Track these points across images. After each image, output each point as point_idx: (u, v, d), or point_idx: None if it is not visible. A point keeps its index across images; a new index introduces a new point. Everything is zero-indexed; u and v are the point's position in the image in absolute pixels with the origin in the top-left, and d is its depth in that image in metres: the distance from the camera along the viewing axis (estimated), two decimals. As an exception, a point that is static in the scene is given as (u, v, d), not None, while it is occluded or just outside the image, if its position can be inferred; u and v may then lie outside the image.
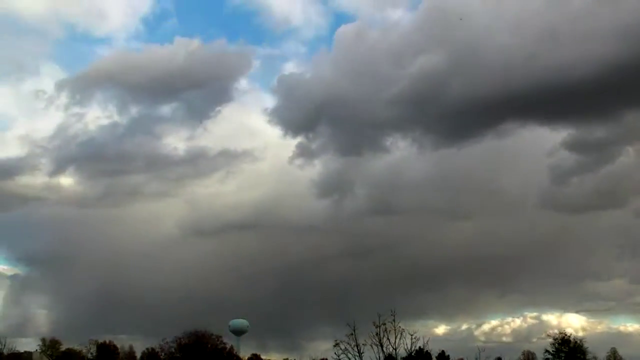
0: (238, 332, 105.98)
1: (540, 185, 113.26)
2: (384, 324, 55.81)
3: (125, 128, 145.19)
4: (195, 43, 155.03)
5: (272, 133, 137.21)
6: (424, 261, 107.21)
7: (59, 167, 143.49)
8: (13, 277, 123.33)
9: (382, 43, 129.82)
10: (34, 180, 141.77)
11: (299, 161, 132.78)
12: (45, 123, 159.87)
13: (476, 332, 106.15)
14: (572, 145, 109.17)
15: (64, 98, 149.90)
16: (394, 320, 55.53)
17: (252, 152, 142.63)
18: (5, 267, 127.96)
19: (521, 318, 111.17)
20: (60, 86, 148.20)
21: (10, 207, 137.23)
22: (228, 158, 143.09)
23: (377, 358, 56.50)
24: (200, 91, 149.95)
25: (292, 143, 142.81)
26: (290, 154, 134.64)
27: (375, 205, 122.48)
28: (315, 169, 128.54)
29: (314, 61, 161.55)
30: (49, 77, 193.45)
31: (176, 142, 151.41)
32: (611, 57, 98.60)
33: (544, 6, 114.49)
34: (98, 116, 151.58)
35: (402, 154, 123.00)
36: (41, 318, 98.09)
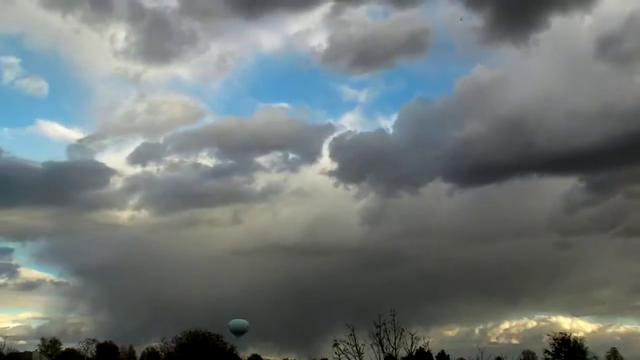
0: (238, 332, 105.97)
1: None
2: (384, 324, 55.70)
3: (214, 173, 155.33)
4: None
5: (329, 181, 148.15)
6: (443, 274, 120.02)
7: (145, 201, 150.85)
8: (73, 287, 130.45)
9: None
10: (121, 213, 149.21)
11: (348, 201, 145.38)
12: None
13: (488, 334, 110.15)
14: (578, 186, 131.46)
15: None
16: (393, 320, 55.46)
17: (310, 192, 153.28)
18: (70, 279, 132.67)
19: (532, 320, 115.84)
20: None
21: (89, 233, 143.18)
22: (297, 196, 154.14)
23: (377, 358, 56.43)
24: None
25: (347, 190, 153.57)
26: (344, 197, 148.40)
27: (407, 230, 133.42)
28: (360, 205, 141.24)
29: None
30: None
31: (254, 184, 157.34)
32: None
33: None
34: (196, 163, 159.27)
35: (435, 193, 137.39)
36: (95, 323, 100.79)
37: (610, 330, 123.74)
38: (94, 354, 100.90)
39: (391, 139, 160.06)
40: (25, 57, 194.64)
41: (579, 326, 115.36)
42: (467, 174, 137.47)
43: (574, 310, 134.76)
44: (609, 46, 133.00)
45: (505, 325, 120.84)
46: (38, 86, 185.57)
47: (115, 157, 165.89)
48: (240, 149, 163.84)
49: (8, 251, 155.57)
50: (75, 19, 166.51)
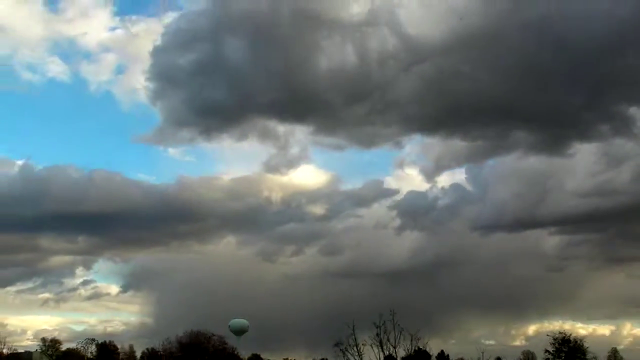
0: (238, 332, 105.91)
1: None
2: (384, 324, 55.82)
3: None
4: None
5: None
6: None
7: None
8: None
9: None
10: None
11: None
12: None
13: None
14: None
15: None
16: (393, 320, 55.58)
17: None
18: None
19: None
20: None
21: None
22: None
23: (377, 358, 56.59)
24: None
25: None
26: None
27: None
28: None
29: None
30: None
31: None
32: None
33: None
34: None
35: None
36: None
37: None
38: (94, 353, 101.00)
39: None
40: None
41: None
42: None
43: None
44: None
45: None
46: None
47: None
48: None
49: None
50: None
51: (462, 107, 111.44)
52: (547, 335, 79.58)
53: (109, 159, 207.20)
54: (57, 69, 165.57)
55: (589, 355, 76.82)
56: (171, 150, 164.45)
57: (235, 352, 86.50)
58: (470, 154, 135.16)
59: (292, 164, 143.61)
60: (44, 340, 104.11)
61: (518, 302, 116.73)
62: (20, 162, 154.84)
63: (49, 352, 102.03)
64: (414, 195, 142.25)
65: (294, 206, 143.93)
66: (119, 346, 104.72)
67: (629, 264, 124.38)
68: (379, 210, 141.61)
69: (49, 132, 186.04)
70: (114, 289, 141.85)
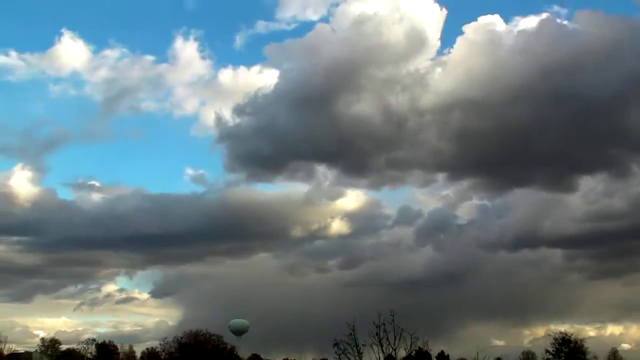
0: (238, 332, 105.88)
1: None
2: (384, 324, 55.61)
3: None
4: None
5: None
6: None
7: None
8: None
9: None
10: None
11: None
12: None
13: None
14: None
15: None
16: (393, 321, 55.34)
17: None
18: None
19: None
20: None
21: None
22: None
23: (377, 358, 56.37)
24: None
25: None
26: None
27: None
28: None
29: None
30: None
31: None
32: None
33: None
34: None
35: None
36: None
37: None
38: (94, 354, 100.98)
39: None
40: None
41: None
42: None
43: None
44: None
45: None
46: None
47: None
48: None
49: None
50: None
51: (485, 152, 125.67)
52: (548, 335, 79.69)
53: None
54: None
55: (589, 356, 76.89)
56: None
57: (235, 352, 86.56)
58: (486, 189, 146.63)
59: (327, 196, 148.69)
60: (43, 340, 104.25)
61: (520, 308, 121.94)
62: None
63: (48, 352, 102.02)
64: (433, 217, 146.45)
65: (322, 226, 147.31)
66: (118, 346, 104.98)
67: (624, 274, 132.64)
68: (397, 230, 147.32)
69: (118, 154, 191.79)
70: (145, 295, 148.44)
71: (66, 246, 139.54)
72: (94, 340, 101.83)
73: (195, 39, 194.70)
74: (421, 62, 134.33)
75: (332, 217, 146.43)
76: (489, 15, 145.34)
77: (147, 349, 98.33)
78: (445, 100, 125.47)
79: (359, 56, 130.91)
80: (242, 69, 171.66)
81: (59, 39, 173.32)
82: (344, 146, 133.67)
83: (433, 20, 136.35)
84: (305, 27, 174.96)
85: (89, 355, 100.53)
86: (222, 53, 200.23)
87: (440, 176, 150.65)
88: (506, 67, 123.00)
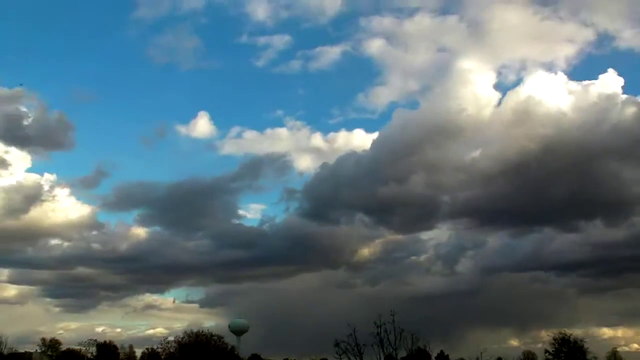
0: (238, 332, 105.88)
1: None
2: (384, 324, 55.83)
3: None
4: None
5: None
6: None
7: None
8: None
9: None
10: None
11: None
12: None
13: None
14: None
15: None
16: (393, 321, 55.60)
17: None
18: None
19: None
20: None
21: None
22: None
23: (377, 358, 56.60)
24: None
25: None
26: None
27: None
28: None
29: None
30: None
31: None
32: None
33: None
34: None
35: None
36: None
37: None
38: (94, 354, 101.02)
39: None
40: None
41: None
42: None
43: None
44: None
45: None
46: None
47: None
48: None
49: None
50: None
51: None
52: (548, 335, 79.82)
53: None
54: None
55: (589, 356, 77.01)
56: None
57: (235, 352, 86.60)
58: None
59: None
60: (43, 340, 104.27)
61: (521, 318, 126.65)
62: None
63: (48, 353, 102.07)
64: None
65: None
66: (118, 346, 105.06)
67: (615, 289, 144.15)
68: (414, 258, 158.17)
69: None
70: (195, 306, 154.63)
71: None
72: (95, 340, 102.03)
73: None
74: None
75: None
76: None
77: (147, 349, 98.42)
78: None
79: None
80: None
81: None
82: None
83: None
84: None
85: (89, 355, 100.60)
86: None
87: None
88: None
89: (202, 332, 78.84)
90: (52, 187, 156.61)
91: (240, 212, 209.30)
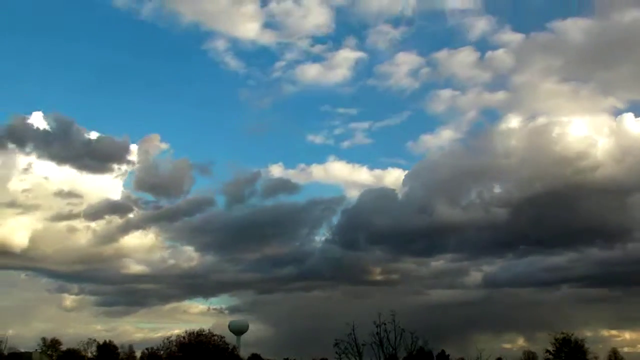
0: (238, 332, 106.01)
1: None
2: (384, 324, 55.60)
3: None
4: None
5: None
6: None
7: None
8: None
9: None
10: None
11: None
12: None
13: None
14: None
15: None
16: (393, 321, 55.35)
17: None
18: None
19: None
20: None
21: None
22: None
23: (377, 358, 56.35)
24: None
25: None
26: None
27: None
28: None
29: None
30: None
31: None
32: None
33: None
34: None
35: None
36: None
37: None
38: (94, 354, 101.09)
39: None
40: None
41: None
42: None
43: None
44: None
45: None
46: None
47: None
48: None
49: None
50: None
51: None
52: (548, 334, 79.67)
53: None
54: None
55: (589, 356, 76.93)
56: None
57: (236, 352, 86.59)
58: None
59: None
60: (44, 340, 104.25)
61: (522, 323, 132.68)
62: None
63: (48, 352, 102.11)
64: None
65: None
66: (118, 346, 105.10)
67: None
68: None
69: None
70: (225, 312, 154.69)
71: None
72: (94, 340, 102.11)
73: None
74: None
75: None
76: None
77: (147, 349, 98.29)
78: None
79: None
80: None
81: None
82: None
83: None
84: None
85: (89, 355, 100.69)
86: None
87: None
88: None
89: (203, 331, 78.72)
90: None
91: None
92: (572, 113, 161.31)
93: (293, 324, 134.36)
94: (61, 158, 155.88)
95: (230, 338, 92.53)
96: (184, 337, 77.46)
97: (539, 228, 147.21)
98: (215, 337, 79.23)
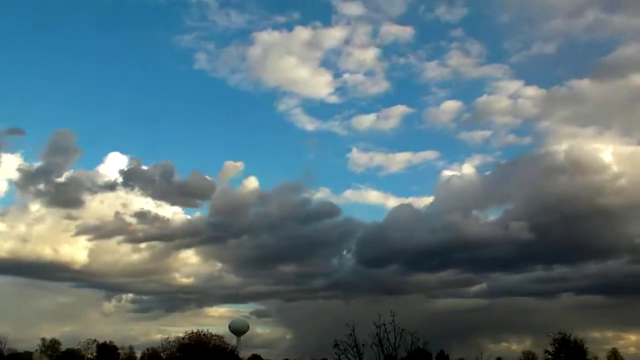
0: (238, 332, 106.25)
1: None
2: (384, 324, 55.60)
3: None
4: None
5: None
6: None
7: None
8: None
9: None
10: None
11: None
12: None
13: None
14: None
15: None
16: (393, 321, 55.34)
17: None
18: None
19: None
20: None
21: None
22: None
23: (377, 358, 56.36)
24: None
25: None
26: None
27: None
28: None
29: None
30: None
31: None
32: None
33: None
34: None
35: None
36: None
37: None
38: (94, 354, 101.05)
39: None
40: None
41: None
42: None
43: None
44: None
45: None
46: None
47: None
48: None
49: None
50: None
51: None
52: (547, 335, 79.67)
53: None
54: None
55: (589, 356, 77.03)
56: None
57: (236, 352, 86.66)
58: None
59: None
60: (43, 340, 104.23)
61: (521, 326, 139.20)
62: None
63: (48, 353, 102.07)
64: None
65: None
66: (119, 346, 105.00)
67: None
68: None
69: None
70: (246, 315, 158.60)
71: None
72: (95, 340, 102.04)
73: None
74: None
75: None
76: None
77: (147, 349, 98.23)
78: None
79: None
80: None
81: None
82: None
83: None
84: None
85: (89, 355, 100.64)
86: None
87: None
88: None
89: (203, 332, 78.77)
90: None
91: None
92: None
93: (312, 327, 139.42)
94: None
95: (230, 338, 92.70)
96: (183, 338, 77.47)
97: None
98: (215, 338, 79.30)
